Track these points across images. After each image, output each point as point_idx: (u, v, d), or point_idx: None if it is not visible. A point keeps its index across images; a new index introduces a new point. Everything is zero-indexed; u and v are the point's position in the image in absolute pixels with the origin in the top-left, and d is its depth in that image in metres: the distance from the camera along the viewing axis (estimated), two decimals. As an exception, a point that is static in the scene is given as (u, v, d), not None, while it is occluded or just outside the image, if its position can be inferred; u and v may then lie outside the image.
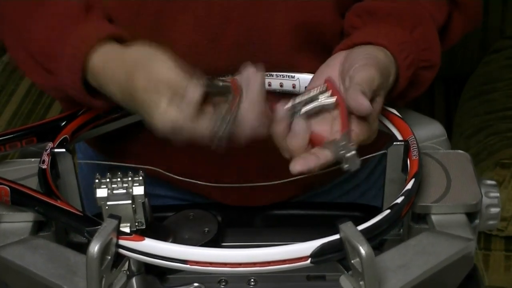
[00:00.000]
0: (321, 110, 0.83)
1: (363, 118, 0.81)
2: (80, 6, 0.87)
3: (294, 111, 0.83)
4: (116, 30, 0.86)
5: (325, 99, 0.83)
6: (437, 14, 0.92)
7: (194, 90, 0.77)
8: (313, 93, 0.84)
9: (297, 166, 0.78)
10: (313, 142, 0.82)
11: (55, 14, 0.88)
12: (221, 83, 0.81)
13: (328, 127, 0.83)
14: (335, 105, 0.83)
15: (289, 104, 0.83)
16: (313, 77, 0.88)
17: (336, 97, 0.83)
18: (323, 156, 0.79)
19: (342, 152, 0.78)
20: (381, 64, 0.83)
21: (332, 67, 0.86)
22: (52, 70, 0.88)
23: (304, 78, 0.94)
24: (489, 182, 0.84)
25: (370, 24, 0.90)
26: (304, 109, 0.83)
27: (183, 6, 0.90)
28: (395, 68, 0.86)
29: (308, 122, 0.83)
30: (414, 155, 0.82)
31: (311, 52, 0.95)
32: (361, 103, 0.79)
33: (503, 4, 2.49)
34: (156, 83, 0.78)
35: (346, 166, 0.78)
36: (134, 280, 0.84)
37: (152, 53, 0.81)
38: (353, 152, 0.78)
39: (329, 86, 0.84)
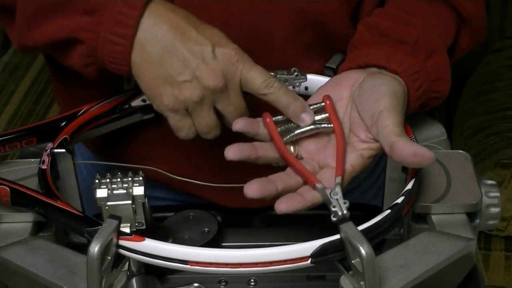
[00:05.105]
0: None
1: (359, 153, 0.81)
2: None
3: (286, 128, 0.83)
4: None
5: (322, 125, 0.82)
6: (446, 35, 0.91)
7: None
8: None
9: (282, 206, 0.75)
10: (304, 177, 0.79)
11: None
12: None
13: (321, 150, 0.82)
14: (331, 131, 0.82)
15: (281, 118, 0.83)
16: (318, 90, 0.87)
17: (332, 125, 0.82)
18: (310, 198, 0.77)
19: (333, 204, 0.75)
20: (401, 101, 0.81)
21: (343, 87, 0.85)
22: (90, 10, 0.81)
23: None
24: (489, 182, 0.84)
25: (383, 46, 0.87)
26: (298, 131, 0.82)
27: None
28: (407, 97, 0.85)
29: (301, 140, 0.83)
30: (415, 155, 0.82)
31: (314, 54, 0.95)
32: (426, 154, 0.74)
33: (503, 4, 2.49)
34: (221, 37, 0.81)
35: (334, 219, 0.74)
36: (134, 280, 0.84)
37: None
38: (345, 210, 0.74)
39: (328, 108, 0.83)
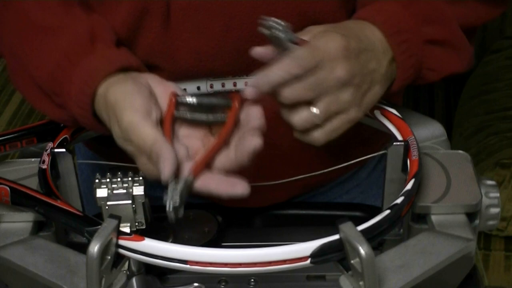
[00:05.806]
0: None
1: None
2: (85, 36, 0.86)
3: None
4: (124, 61, 0.85)
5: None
6: None
7: (167, 153, 0.75)
8: None
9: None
10: None
11: (60, 47, 0.86)
12: (215, 100, 0.80)
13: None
14: None
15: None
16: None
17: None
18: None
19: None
20: (342, 28, 0.82)
21: None
22: (61, 105, 0.87)
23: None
24: (489, 182, 0.84)
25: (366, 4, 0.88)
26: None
27: (185, 14, 0.90)
28: (384, 44, 0.84)
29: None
30: (414, 155, 0.82)
31: None
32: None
33: (503, 4, 2.48)
34: (127, 136, 0.78)
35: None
36: (134, 280, 0.84)
37: (125, 97, 0.79)
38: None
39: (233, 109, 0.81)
